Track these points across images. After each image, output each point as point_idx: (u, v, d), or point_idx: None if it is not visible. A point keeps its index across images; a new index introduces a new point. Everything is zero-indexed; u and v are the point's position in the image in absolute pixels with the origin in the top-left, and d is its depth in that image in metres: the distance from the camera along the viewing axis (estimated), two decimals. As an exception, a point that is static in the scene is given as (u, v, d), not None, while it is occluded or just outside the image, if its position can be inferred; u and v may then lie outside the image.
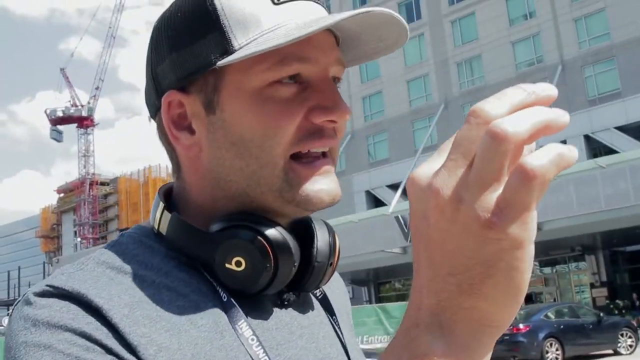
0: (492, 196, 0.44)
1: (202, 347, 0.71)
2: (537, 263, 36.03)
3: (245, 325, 0.75)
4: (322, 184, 0.81)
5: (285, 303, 0.84)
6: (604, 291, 31.42)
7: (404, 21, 0.80)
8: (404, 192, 34.37)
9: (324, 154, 0.82)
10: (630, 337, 18.85)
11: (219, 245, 0.77)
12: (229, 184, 0.81)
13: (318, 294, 0.93)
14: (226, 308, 0.76)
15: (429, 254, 0.48)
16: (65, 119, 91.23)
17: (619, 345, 18.59)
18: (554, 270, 35.38)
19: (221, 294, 0.77)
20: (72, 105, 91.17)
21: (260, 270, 0.77)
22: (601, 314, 19.54)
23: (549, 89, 0.47)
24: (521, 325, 16.97)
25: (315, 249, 0.84)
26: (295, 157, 0.80)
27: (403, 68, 45.24)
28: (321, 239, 0.85)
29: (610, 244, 30.84)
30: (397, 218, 28.85)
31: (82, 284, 0.71)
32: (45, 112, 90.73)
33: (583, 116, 34.81)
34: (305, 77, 0.80)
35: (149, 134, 0.91)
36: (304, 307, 0.87)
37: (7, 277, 73.93)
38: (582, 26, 37.82)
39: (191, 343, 0.71)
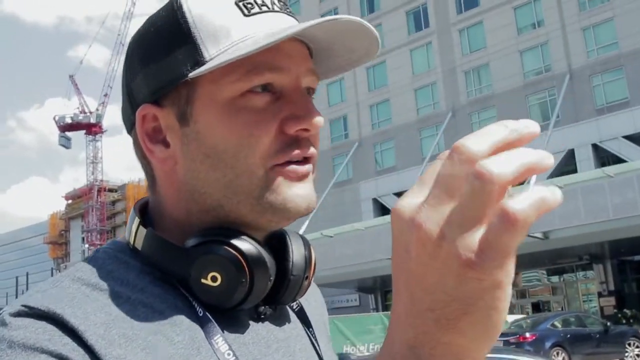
0: (475, 236, 0.45)
1: None
2: (544, 272, 35.95)
3: (221, 340, 0.75)
4: (298, 189, 0.81)
5: (262, 317, 0.84)
6: (611, 300, 31.29)
7: (374, 30, 0.81)
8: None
9: (304, 160, 0.82)
10: (637, 347, 18.81)
11: (195, 260, 0.77)
12: (204, 196, 0.81)
13: (295, 307, 0.93)
14: (202, 323, 0.76)
15: (409, 287, 0.48)
16: (74, 126, 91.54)
17: (626, 354, 18.54)
18: (562, 279, 35.30)
19: (197, 309, 0.77)
20: (80, 112, 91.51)
21: (235, 285, 0.77)
22: (608, 323, 19.51)
23: (531, 126, 0.47)
24: (527, 334, 16.97)
25: (290, 263, 0.84)
26: (275, 167, 0.80)
27: (410, 76, 45.26)
28: (296, 252, 0.86)
29: (618, 253, 30.73)
30: (404, 226, 28.81)
31: (57, 302, 0.70)
32: (54, 118, 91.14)
33: (591, 125, 34.77)
34: (278, 87, 0.80)
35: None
36: (280, 320, 0.88)
37: (16, 282, 74.11)
38: (591, 35, 37.78)
39: (167, 359, 0.70)
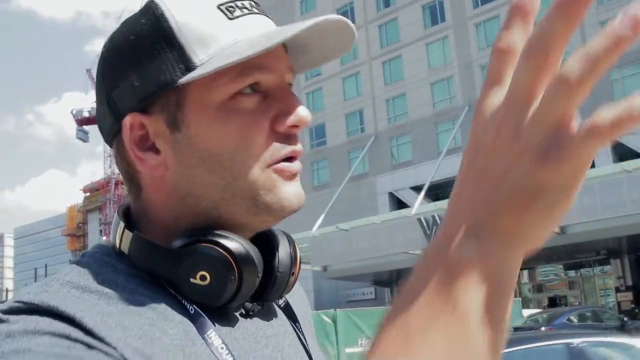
0: (548, 136, 0.47)
1: (174, 354, 0.71)
2: (561, 266, 35.81)
3: (214, 334, 0.76)
4: (292, 187, 0.83)
5: (250, 313, 0.86)
6: (629, 295, 31.11)
7: (354, 27, 0.83)
8: (427, 194, 34.35)
9: (292, 159, 0.83)
10: (654, 342, 18.70)
11: (183, 261, 0.78)
12: (198, 199, 0.81)
13: (281, 303, 0.95)
14: (194, 319, 0.77)
15: (477, 175, 0.51)
16: (91, 120, 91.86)
17: (642, 350, 18.45)
18: (579, 274, 35.16)
19: (188, 307, 0.78)
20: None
21: (225, 283, 0.78)
22: (625, 319, 19.40)
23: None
24: (543, 329, 16.95)
25: (277, 260, 0.86)
26: (271, 165, 0.81)
27: (427, 71, 45.13)
28: (282, 249, 0.88)
29: (636, 248, 30.54)
30: (419, 220, 28.86)
31: (50, 300, 0.69)
32: (72, 112, 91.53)
33: (609, 119, 34.48)
34: (264, 86, 0.81)
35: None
36: (268, 316, 0.89)
37: (34, 274, 74.88)
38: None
39: (164, 350, 0.71)
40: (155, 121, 0.81)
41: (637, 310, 27.80)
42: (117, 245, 0.83)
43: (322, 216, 35.28)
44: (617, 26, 0.44)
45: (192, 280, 0.78)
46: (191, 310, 0.77)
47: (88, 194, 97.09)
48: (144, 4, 0.82)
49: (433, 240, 0.54)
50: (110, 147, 0.88)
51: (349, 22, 0.82)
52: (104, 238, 0.77)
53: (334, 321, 18.00)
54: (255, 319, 0.86)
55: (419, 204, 31.63)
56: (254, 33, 0.80)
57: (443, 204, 30.09)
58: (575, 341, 7.06)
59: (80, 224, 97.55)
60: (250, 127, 0.79)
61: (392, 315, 0.53)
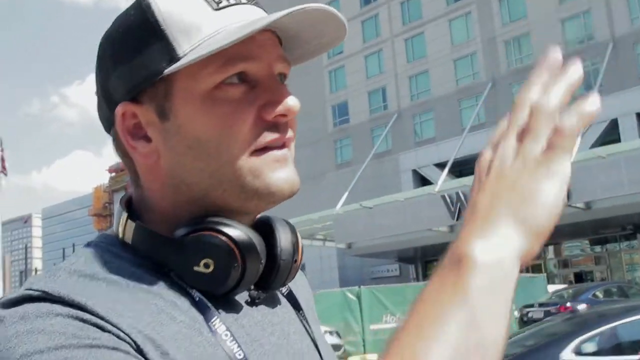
0: (541, 145, 0.64)
1: (182, 341, 0.72)
2: (587, 242, 35.65)
3: (219, 322, 0.77)
4: (281, 173, 0.83)
5: (256, 301, 0.86)
6: (655, 270, 30.97)
7: (341, 16, 0.84)
8: (451, 171, 34.24)
9: (282, 146, 0.84)
10: (680, 317, 18.61)
11: (186, 249, 0.79)
12: (190, 187, 0.83)
13: (284, 291, 0.95)
14: (199, 307, 0.78)
15: (494, 185, 0.65)
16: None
17: (668, 324, 18.38)
18: (605, 249, 34.99)
19: (193, 295, 0.79)
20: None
21: (228, 270, 0.78)
22: (651, 294, 19.32)
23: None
24: (568, 304, 16.96)
25: (279, 248, 0.87)
26: (254, 152, 0.82)
27: (450, 47, 44.82)
28: (284, 237, 0.88)
29: (663, 222, 30.34)
30: (443, 197, 28.84)
31: (60, 289, 0.71)
32: (96, 93, 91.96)
33: (635, 94, 34.14)
34: (252, 76, 0.82)
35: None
36: (272, 304, 0.90)
37: (62, 254, 75.92)
38: (635, 1, 36.95)
39: (173, 337, 0.72)
40: (146, 110, 0.82)
41: (663, 285, 27.67)
42: (121, 235, 0.84)
43: (346, 194, 35.38)
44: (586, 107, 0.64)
45: (195, 268, 0.79)
46: (196, 297, 0.78)
47: (113, 174, 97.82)
48: None
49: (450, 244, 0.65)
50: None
51: (335, 11, 0.82)
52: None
53: (359, 298, 18.12)
54: (261, 307, 0.87)
55: (442, 181, 31.60)
56: (238, 23, 0.80)
57: (467, 180, 30.00)
58: None
59: (106, 204, 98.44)
60: (234, 115, 0.80)
61: (411, 308, 0.62)
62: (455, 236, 0.65)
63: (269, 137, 0.81)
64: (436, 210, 29.00)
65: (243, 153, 0.80)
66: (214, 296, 0.80)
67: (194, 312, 0.76)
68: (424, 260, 39.43)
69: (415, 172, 43.65)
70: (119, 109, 0.82)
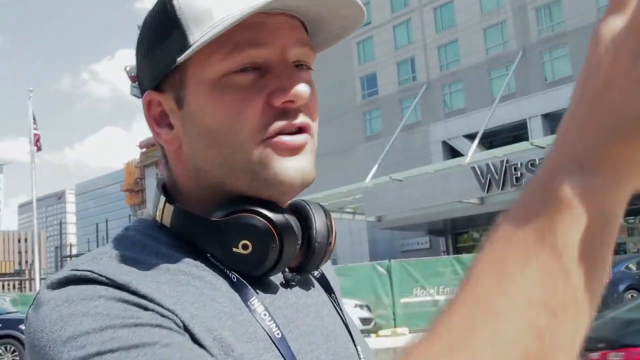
0: None
1: (224, 321, 0.74)
2: (620, 212, 35.15)
3: (257, 302, 0.78)
4: (290, 162, 0.82)
5: (292, 283, 0.88)
6: (690, 241, 30.52)
7: None
8: (481, 142, 33.94)
9: (299, 130, 0.83)
10: None
11: (225, 231, 0.80)
12: (207, 174, 0.84)
13: (316, 274, 0.97)
14: (238, 288, 0.79)
15: (590, 100, 0.48)
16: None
17: None
18: (638, 220, 34.53)
19: (231, 276, 0.80)
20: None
21: (267, 251, 0.80)
22: (686, 266, 19.05)
23: None
24: (601, 276, 16.75)
25: (314, 230, 0.88)
26: (265, 141, 0.81)
27: (479, 15, 44.17)
28: (319, 220, 0.90)
29: (698, 192, 29.79)
30: (473, 168, 28.62)
31: (103, 271, 0.72)
32: (125, 69, 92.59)
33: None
34: (264, 63, 0.81)
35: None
36: (306, 287, 0.91)
37: (96, 229, 77.08)
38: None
39: (216, 317, 0.73)
40: (168, 98, 0.85)
41: (699, 256, 27.25)
42: (159, 219, 0.86)
43: (375, 167, 35.29)
44: None
45: (234, 249, 0.80)
46: (234, 278, 0.80)
47: (144, 149, 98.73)
48: None
49: (536, 172, 0.51)
50: None
51: None
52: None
53: (389, 271, 18.16)
54: (295, 289, 0.88)
55: (472, 152, 31.32)
56: (245, 7, 0.77)
57: (497, 151, 29.76)
58: None
59: (138, 179, 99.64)
60: (242, 103, 0.80)
61: (487, 251, 0.50)
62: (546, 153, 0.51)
63: (279, 124, 0.81)
64: (466, 182, 28.79)
65: (252, 141, 0.81)
66: (250, 278, 0.81)
67: (232, 293, 0.78)
68: (454, 232, 39.29)
69: (445, 143, 43.38)
70: (146, 97, 0.86)
